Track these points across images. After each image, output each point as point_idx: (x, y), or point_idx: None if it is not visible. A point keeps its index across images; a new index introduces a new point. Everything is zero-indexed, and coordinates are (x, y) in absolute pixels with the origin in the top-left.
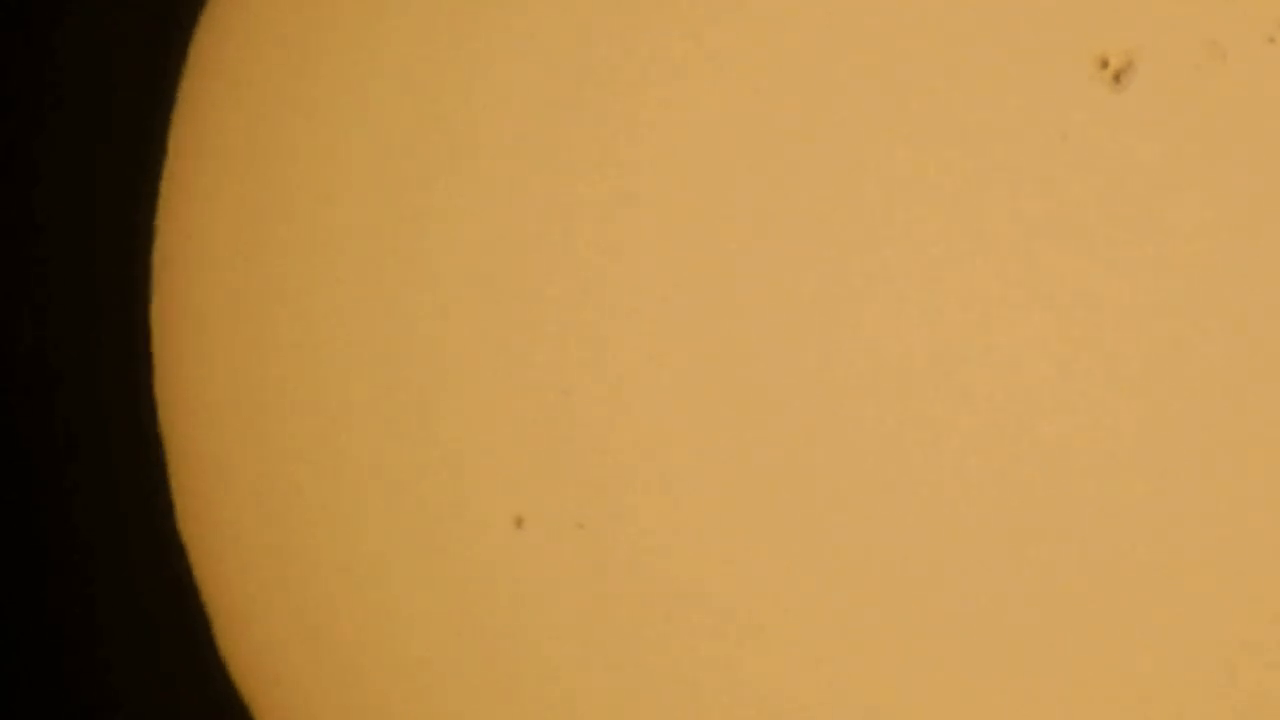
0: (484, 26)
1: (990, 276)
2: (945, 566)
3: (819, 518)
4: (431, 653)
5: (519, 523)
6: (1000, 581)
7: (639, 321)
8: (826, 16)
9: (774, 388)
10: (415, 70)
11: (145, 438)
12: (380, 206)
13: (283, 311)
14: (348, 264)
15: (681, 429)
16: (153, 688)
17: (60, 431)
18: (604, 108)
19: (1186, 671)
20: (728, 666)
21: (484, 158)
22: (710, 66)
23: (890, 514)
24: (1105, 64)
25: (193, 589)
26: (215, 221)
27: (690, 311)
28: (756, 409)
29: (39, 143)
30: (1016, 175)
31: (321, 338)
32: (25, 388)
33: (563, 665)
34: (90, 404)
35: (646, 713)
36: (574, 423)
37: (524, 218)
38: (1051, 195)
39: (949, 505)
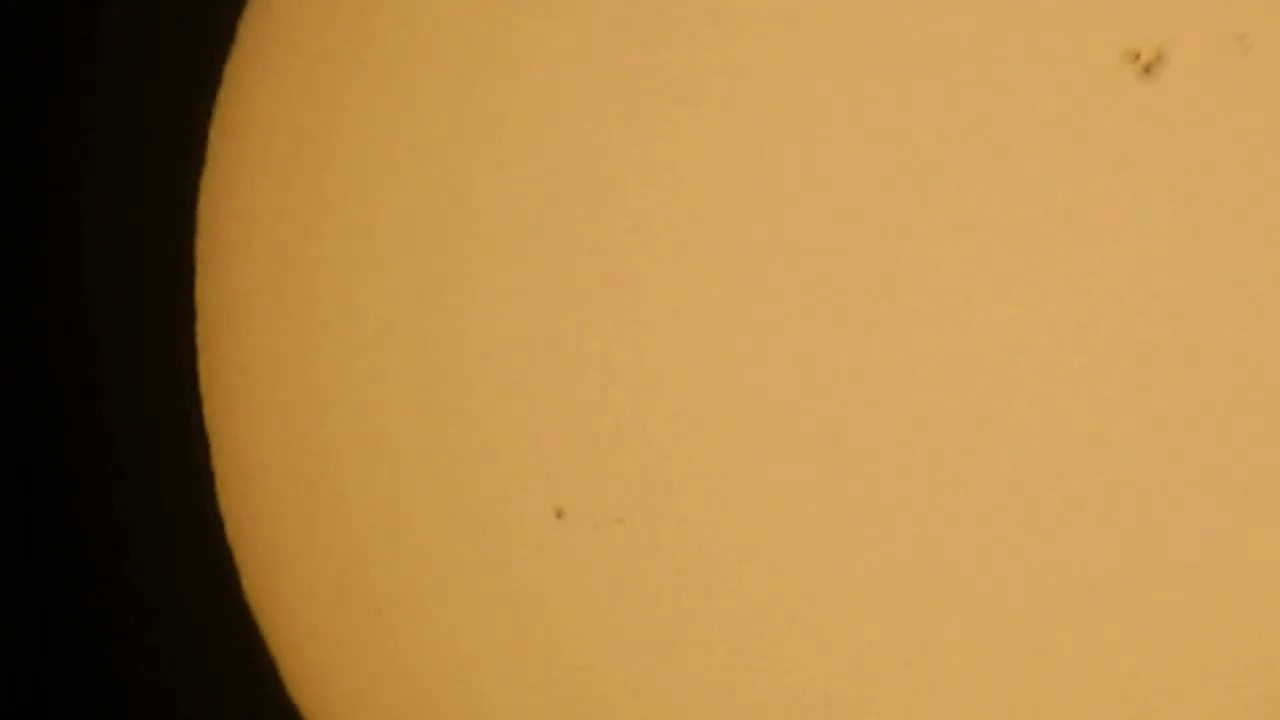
0: (523, 27)
1: (1021, 271)
2: (988, 561)
3: (860, 512)
4: (471, 645)
5: (559, 515)
6: (1042, 575)
7: (678, 316)
8: (859, 11)
9: (814, 382)
10: (463, 61)
11: (189, 432)
12: (421, 200)
13: (325, 304)
14: (389, 257)
15: (721, 424)
16: (196, 680)
17: (103, 428)
18: (640, 109)
19: (1198, 670)
20: (767, 661)
21: (523, 154)
22: (749, 50)
23: (932, 506)
24: (1136, 56)
25: (235, 581)
26: (258, 210)
27: (730, 306)
28: (796, 403)
29: (81, 138)
30: (1046, 168)
31: (363, 330)
32: (68, 382)
33: (601, 658)
34: (133, 399)
35: (685, 706)
36: (615, 416)
37: (564, 211)
38: (1081, 188)
39: (991, 500)
